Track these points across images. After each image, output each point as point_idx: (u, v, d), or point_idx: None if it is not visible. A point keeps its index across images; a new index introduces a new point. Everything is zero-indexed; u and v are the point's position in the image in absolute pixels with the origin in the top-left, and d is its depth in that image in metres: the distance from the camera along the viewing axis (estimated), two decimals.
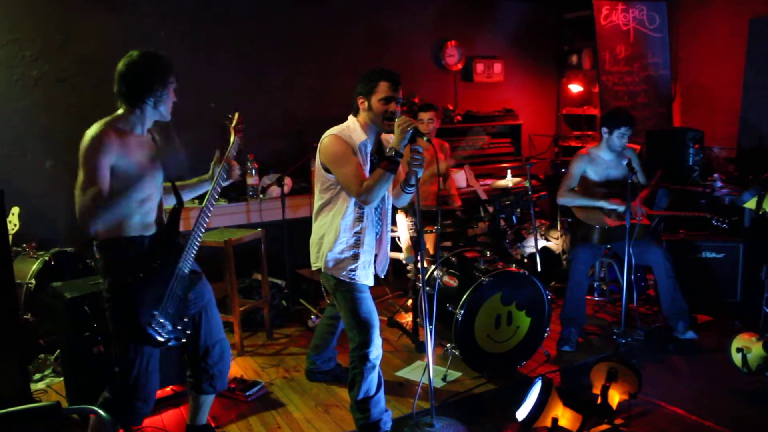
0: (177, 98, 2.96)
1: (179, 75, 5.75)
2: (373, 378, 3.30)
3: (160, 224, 2.93)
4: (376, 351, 3.29)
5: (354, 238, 3.27)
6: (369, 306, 3.31)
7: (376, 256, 3.43)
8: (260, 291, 5.00)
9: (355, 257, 3.28)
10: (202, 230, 2.97)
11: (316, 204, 3.36)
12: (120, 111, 2.85)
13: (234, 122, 3.28)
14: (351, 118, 3.31)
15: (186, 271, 2.92)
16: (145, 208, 2.83)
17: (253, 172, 5.52)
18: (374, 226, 3.35)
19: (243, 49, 5.87)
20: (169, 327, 2.84)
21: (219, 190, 3.08)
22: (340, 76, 6.16)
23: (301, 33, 6.13)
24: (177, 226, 2.92)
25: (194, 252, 2.95)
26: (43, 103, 5.04)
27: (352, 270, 3.28)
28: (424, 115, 5.05)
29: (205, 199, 3.01)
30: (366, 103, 3.23)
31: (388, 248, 3.56)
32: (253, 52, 5.93)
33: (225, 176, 3.10)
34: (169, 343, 2.86)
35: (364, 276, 3.33)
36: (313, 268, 3.42)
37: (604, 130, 4.59)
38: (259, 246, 4.82)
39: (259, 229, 4.82)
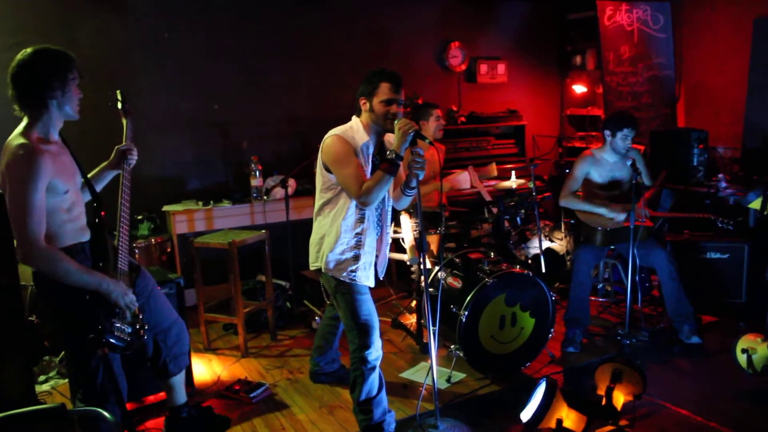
0: (82, 94, 2.77)
1: (182, 76, 5.78)
2: (374, 379, 3.31)
3: (91, 226, 2.84)
4: (376, 353, 3.29)
5: (355, 239, 3.26)
6: (369, 308, 3.31)
7: (376, 257, 3.43)
8: (264, 293, 5.00)
9: (356, 258, 3.27)
10: (126, 222, 2.90)
11: (317, 203, 3.35)
12: (25, 120, 2.64)
13: (120, 104, 3.12)
14: (354, 118, 3.30)
15: (126, 268, 2.86)
16: (73, 214, 2.75)
17: (257, 173, 5.53)
18: (375, 227, 3.34)
19: (245, 50, 5.88)
20: (129, 329, 2.79)
21: (129, 177, 3.01)
22: (343, 77, 6.17)
23: (303, 34, 6.14)
24: (103, 225, 2.82)
25: (126, 246, 2.87)
26: None
27: (353, 271, 3.27)
28: (435, 111, 4.98)
29: (120, 191, 2.95)
30: (368, 104, 3.22)
31: (388, 250, 3.55)
32: (256, 53, 5.94)
33: (129, 162, 3.04)
34: (134, 345, 2.82)
35: (365, 277, 3.32)
36: (312, 268, 3.41)
37: (607, 132, 4.57)
38: (263, 248, 4.81)
39: (263, 231, 4.82)
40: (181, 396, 3.40)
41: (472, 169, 5.36)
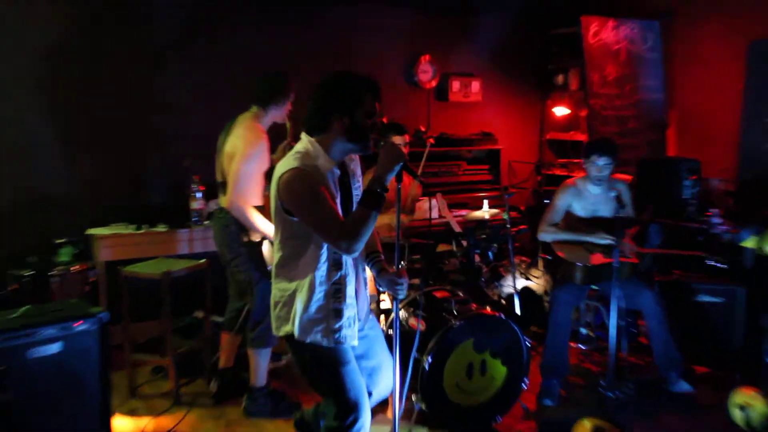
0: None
1: (116, 85, 5.63)
2: None
3: None
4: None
5: (333, 289, 2.88)
6: (357, 380, 2.93)
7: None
8: (202, 331, 4.85)
9: (338, 314, 2.88)
10: None
11: (277, 255, 2.93)
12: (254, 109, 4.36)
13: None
14: (309, 140, 2.88)
15: None
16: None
17: (199, 195, 5.39)
18: (353, 271, 2.97)
19: (192, 61, 5.79)
20: None
21: None
22: (306, 89, 6.07)
23: (265, 45, 6.11)
24: None
25: None
26: None
27: (335, 331, 2.87)
28: (398, 139, 4.93)
29: None
30: (350, 121, 2.82)
31: (368, 292, 3.22)
32: (204, 65, 5.85)
33: None
34: None
35: (351, 336, 2.93)
36: (280, 334, 3.00)
37: (583, 158, 4.57)
38: (203, 279, 4.68)
39: (203, 260, 4.70)
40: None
41: (440, 196, 5.28)
